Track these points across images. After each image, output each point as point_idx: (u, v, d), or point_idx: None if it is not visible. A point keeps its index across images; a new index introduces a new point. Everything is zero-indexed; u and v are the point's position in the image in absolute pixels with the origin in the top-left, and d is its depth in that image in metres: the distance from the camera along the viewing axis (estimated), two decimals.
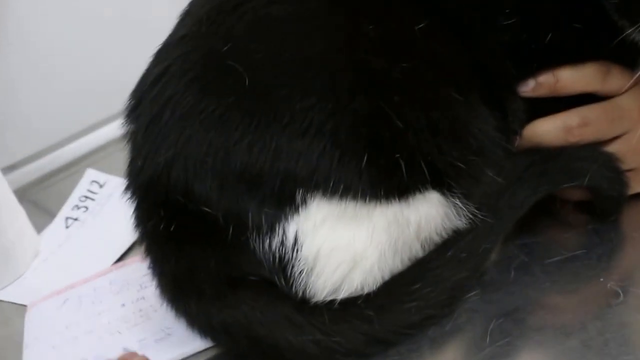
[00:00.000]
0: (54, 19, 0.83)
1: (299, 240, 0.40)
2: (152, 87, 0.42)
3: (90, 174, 0.74)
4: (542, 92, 0.45)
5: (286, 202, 0.39)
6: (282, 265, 0.40)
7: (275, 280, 0.41)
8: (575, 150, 0.46)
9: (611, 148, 0.47)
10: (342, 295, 0.42)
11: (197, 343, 0.46)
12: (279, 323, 0.41)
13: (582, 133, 0.46)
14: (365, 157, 0.39)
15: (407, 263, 0.43)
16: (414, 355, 0.42)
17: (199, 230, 0.41)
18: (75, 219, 0.69)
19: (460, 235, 0.44)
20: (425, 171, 0.40)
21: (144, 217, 0.44)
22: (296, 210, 0.39)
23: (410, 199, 0.41)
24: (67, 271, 0.61)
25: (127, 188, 0.45)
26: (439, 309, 0.43)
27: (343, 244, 0.41)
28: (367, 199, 0.40)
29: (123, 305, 0.54)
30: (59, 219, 0.69)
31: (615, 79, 0.46)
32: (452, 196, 0.42)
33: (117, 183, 0.71)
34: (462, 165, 0.41)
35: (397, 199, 0.40)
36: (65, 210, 0.70)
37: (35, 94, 0.82)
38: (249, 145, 0.39)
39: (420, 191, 0.41)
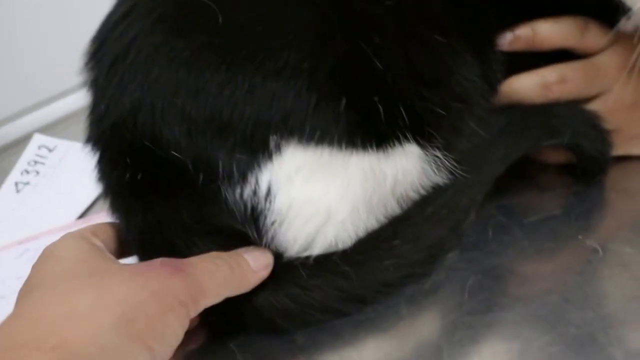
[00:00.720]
0: None
1: (272, 191, 0.37)
2: (115, 26, 0.39)
3: (38, 139, 0.72)
4: (520, 46, 0.44)
5: (259, 149, 0.36)
6: (254, 216, 0.37)
7: (248, 231, 0.38)
8: (557, 108, 0.45)
9: (590, 106, 0.46)
10: (314, 250, 0.39)
11: None
12: None
13: (560, 90, 0.45)
14: (344, 101, 0.37)
15: (381, 221, 0.41)
16: (390, 312, 0.40)
17: (167, 179, 0.38)
18: (27, 183, 0.66)
19: (441, 192, 0.42)
20: (405, 116, 0.38)
21: (107, 168, 0.40)
22: (269, 157, 0.37)
23: (389, 151, 0.39)
24: (24, 232, 0.58)
25: (89, 138, 0.40)
26: (418, 267, 0.41)
27: (317, 196, 0.38)
28: (344, 146, 0.37)
29: None
30: (7, 185, 0.66)
31: (593, 36, 0.45)
32: (432, 147, 0.40)
33: (67, 147, 0.70)
34: (442, 112, 0.40)
35: (374, 149, 0.38)
36: (14, 175, 0.67)
37: None
38: (220, 86, 0.36)
39: (399, 142, 0.39)
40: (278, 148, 0.37)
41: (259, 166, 0.37)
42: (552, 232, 0.44)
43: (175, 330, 0.33)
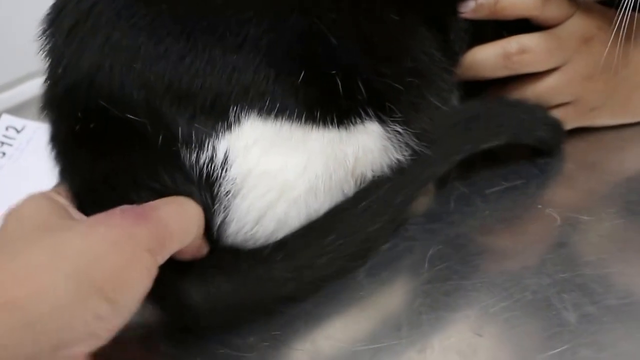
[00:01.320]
0: None
1: (229, 160, 0.37)
2: None
3: (5, 119, 0.69)
4: (482, 14, 0.44)
5: (218, 119, 0.36)
6: (210, 183, 0.37)
7: (202, 197, 0.37)
8: (502, 107, 0.46)
9: (550, 79, 0.46)
10: (263, 226, 0.39)
11: None
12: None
13: (520, 60, 0.45)
14: (302, 74, 0.37)
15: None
16: (350, 283, 0.40)
17: (122, 133, 0.37)
18: None
19: (377, 185, 0.41)
20: (363, 91, 0.38)
21: (58, 122, 0.39)
22: (228, 128, 0.36)
23: (351, 128, 0.39)
24: None
25: (44, 103, 0.39)
26: (352, 261, 0.40)
27: (274, 169, 0.38)
28: (303, 120, 0.37)
29: None
30: None
31: (554, 6, 0.45)
32: (393, 123, 0.40)
33: (35, 128, 0.68)
34: (400, 87, 0.39)
35: (335, 125, 0.38)
36: None
37: None
38: (180, 55, 0.36)
39: (360, 118, 0.39)
40: (237, 119, 0.36)
41: (217, 135, 0.36)
42: (512, 202, 0.45)
43: (141, 280, 0.32)
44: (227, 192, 0.37)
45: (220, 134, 0.36)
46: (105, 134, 0.37)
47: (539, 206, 0.44)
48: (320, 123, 0.38)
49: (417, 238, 0.43)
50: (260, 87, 0.36)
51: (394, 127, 0.40)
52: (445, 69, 0.43)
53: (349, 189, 0.41)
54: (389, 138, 0.40)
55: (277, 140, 0.37)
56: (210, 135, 0.36)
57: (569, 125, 0.49)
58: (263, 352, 0.37)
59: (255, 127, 0.37)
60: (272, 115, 0.37)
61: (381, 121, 0.40)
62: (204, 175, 0.37)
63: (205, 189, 0.37)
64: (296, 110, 0.37)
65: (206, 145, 0.36)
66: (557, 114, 0.48)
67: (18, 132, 0.68)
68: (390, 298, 0.39)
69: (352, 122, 0.39)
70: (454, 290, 0.39)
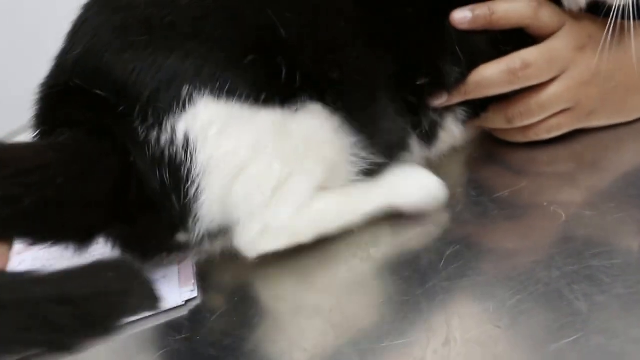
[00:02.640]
0: None
1: (191, 143, 0.40)
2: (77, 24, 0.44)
3: None
4: (479, 25, 0.45)
5: (173, 98, 0.40)
6: (174, 166, 0.40)
7: (160, 179, 0.40)
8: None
9: (551, 89, 0.47)
10: (230, 205, 0.42)
11: None
12: None
13: (525, 75, 0.46)
14: (249, 58, 0.40)
15: (305, 185, 0.43)
16: (377, 283, 0.41)
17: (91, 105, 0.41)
18: None
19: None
20: (301, 77, 0.41)
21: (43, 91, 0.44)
22: (183, 107, 0.40)
23: (294, 108, 0.42)
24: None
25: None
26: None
27: (231, 149, 0.41)
28: (251, 101, 0.40)
29: None
30: None
31: (546, 13, 0.46)
32: (336, 110, 0.43)
33: None
34: (339, 81, 0.43)
35: (280, 105, 0.41)
36: None
37: None
38: (145, 45, 0.40)
39: (302, 101, 0.42)
40: (191, 98, 0.40)
41: (174, 114, 0.40)
42: (519, 202, 0.46)
43: None
44: (194, 175, 0.40)
45: (177, 113, 0.40)
46: (79, 99, 0.42)
47: (545, 204, 0.45)
48: (268, 104, 0.41)
49: (434, 239, 0.44)
50: (211, 69, 0.40)
51: (340, 114, 0.43)
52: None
53: (313, 170, 0.44)
54: (336, 121, 0.43)
55: (231, 121, 0.40)
56: (167, 113, 0.40)
57: (568, 128, 0.50)
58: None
59: (209, 107, 0.40)
60: (223, 96, 0.40)
61: (324, 104, 0.43)
62: (166, 156, 0.40)
63: (169, 172, 0.40)
64: (245, 92, 0.40)
65: (164, 124, 0.40)
66: (558, 119, 0.49)
67: None
68: (414, 297, 0.40)
69: (295, 104, 0.42)
70: (471, 286, 0.40)
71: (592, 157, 0.50)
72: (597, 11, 0.47)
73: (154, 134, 0.39)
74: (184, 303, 0.43)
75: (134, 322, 0.41)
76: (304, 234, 0.43)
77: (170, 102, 0.39)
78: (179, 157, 0.39)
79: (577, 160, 0.50)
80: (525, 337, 0.36)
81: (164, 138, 0.39)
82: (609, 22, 0.44)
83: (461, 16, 0.45)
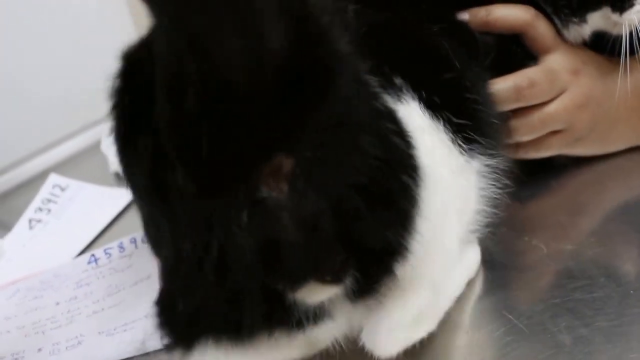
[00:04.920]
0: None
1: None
2: None
3: (53, 178, 0.71)
4: (475, 24, 0.44)
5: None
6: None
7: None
8: None
9: (552, 106, 0.45)
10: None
11: (102, 355, 0.42)
12: None
13: (530, 94, 0.44)
14: None
15: None
16: None
17: None
18: (39, 221, 0.65)
19: None
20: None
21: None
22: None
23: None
24: (29, 269, 0.56)
25: None
26: None
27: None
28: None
29: (57, 303, 0.49)
30: (23, 221, 0.65)
31: (543, 24, 0.45)
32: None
33: (78, 187, 0.69)
34: None
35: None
36: (29, 212, 0.66)
37: None
38: None
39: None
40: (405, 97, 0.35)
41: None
42: (500, 235, 0.44)
43: None
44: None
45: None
46: None
47: (526, 238, 0.44)
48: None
49: None
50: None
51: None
52: None
53: None
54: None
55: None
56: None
57: (555, 151, 0.48)
58: None
59: (417, 114, 0.35)
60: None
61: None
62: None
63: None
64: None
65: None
66: (549, 140, 0.47)
67: (62, 190, 0.69)
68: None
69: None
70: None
71: (571, 191, 0.49)
72: (601, 43, 0.46)
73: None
74: (164, 347, 0.40)
75: None
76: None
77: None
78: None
79: (557, 196, 0.49)
80: None
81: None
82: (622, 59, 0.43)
83: (459, 17, 0.44)
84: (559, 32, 0.46)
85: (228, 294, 0.30)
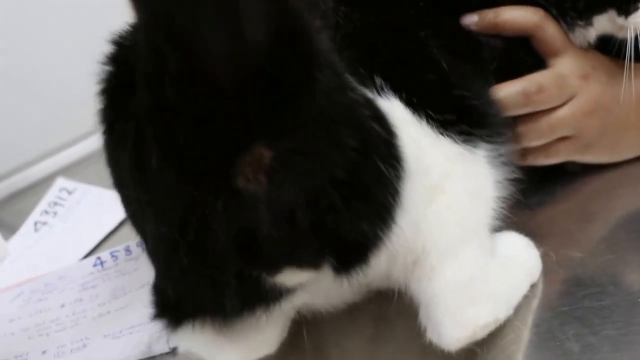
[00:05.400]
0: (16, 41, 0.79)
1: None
2: None
3: (60, 182, 0.71)
4: (483, 26, 0.43)
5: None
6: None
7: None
8: None
9: (560, 112, 0.45)
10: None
11: (108, 358, 0.42)
12: None
13: (539, 99, 0.43)
14: None
15: None
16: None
17: None
18: (44, 223, 0.65)
19: None
20: None
21: None
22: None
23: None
24: (34, 271, 0.56)
25: None
26: None
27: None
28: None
29: (62, 305, 0.49)
30: (28, 223, 0.65)
31: (552, 26, 0.44)
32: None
33: (85, 190, 0.69)
34: None
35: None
36: (35, 215, 0.66)
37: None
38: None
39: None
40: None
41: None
42: None
43: None
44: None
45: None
46: None
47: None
48: None
49: None
50: None
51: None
52: None
53: None
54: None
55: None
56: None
57: (564, 158, 0.47)
58: None
59: (398, 108, 0.35)
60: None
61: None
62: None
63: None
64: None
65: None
66: (557, 146, 0.46)
67: (69, 193, 0.69)
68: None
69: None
70: None
71: (580, 199, 0.48)
72: (607, 46, 0.45)
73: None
74: (170, 350, 0.41)
75: None
76: None
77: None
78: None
79: (566, 204, 0.48)
80: None
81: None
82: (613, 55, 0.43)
83: (468, 19, 0.43)
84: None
85: (207, 277, 0.31)
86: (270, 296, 0.32)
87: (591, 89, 0.45)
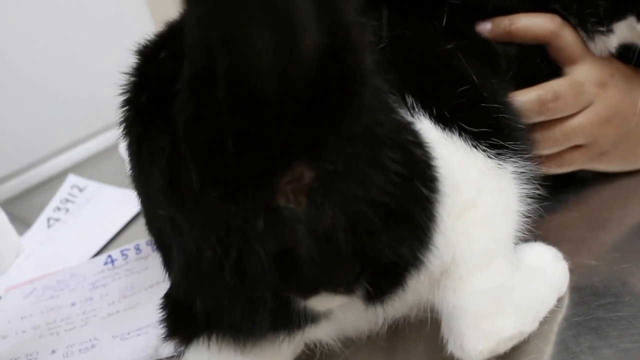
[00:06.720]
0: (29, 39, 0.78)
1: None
2: None
3: (72, 179, 0.70)
4: (498, 34, 0.42)
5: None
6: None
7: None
8: None
9: (576, 120, 0.43)
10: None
11: (117, 358, 0.41)
12: None
13: (554, 107, 0.42)
14: None
15: None
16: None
17: None
18: (57, 220, 0.65)
19: None
20: None
21: None
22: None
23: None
24: (47, 267, 0.56)
25: None
26: None
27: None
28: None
29: (73, 304, 0.49)
30: (41, 219, 0.65)
31: (569, 33, 0.43)
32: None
33: (96, 187, 0.68)
34: None
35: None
36: (47, 211, 0.66)
37: (12, 113, 0.78)
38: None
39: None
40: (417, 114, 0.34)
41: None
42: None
43: None
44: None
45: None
46: None
47: None
48: None
49: None
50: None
51: None
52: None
53: None
54: None
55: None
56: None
57: (577, 166, 0.46)
58: None
59: (430, 129, 0.34)
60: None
61: None
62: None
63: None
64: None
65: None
66: (571, 155, 0.45)
67: (80, 190, 0.69)
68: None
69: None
70: None
71: (594, 207, 0.47)
72: (627, 55, 0.44)
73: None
74: (177, 354, 0.40)
75: None
76: None
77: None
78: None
79: (579, 211, 0.47)
80: None
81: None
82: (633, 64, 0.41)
83: (482, 26, 0.42)
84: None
85: (243, 296, 0.30)
86: (298, 321, 0.31)
87: (608, 97, 0.43)
